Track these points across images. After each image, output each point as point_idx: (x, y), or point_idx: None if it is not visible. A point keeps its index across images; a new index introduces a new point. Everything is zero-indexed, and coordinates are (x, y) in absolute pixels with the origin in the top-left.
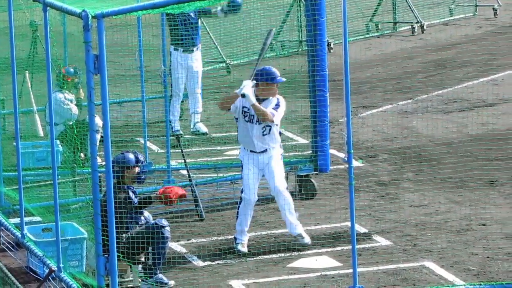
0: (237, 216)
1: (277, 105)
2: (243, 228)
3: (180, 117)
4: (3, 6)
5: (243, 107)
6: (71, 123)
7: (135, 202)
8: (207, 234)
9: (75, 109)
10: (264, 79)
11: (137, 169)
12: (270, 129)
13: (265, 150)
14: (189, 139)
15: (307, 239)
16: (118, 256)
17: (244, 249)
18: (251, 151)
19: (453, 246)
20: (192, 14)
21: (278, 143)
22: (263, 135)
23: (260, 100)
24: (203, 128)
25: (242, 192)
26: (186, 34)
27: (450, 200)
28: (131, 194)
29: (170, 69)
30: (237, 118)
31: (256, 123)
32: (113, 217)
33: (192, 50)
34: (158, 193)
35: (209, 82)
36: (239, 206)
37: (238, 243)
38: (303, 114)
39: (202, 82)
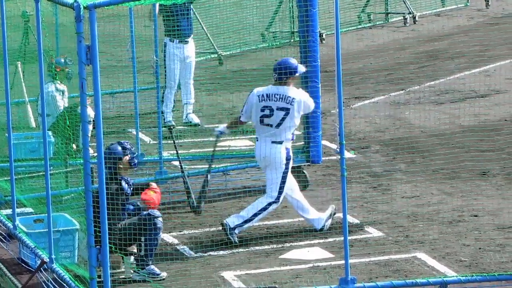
0: (255, 215)
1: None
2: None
3: (173, 108)
4: None
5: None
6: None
7: (129, 192)
8: (199, 225)
9: (61, 103)
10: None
11: (127, 157)
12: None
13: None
14: (181, 130)
15: (328, 221)
16: (110, 248)
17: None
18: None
19: (445, 237)
20: (185, 3)
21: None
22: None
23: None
24: (195, 119)
25: (278, 196)
26: (181, 24)
27: (442, 191)
28: (124, 184)
29: (164, 60)
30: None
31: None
32: (105, 209)
33: (187, 41)
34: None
35: (201, 73)
36: (264, 208)
37: (234, 234)
38: None
39: (194, 73)
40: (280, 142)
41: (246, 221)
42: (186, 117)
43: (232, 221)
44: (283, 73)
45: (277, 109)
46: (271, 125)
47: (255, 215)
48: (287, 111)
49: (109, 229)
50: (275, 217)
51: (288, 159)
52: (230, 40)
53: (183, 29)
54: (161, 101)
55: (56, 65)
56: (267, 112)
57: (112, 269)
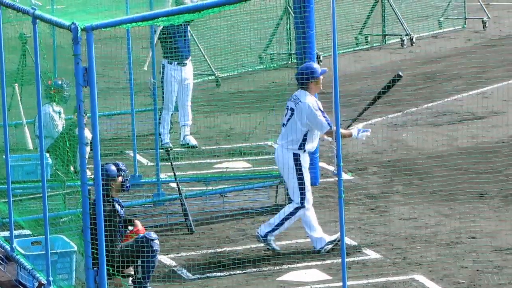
0: (285, 219)
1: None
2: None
3: (170, 130)
4: None
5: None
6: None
7: (122, 214)
8: (197, 247)
9: (59, 126)
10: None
11: (120, 179)
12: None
13: None
14: (179, 152)
15: (329, 245)
16: (108, 270)
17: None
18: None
19: (442, 259)
20: (182, 25)
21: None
22: None
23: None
24: (192, 141)
25: (302, 202)
26: (178, 46)
27: (439, 213)
28: (117, 206)
29: (162, 82)
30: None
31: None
32: (102, 231)
33: (185, 63)
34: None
35: (198, 95)
36: (292, 213)
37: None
38: None
39: (191, 95)
40: (287, 148)
41: (276, 227)
42: (184, 139)
43: (262, 230)
44: (301, 78)
45: (288, 108)
46: (283, 124)
47: (285, 219)
48: (292, 111)
49: (106, 251)
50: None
51: (298, 165)
52: (228, 62)
53: (180, 51)
54: (159, 122)
55: (53, 87)
56: (284, 111)
57: None
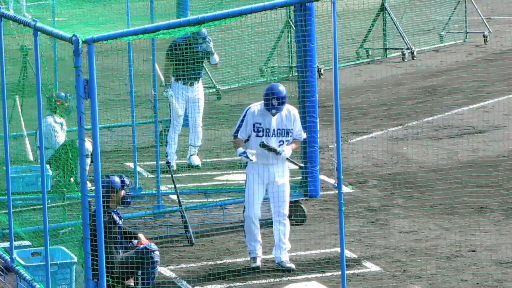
0: (245, 235)
1: (295, 119)
2: (254, 245)
3: (177, 149)
4: None
5: (255, 123)
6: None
7: (121, 225)
8: (197, 259)
9: (61, 138)
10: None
11: (123, 192)
12: (287, 143)
13: (277, 162)
14: (179, 164)
15: (292, 265)
16: (108, 281)
17: (257, 264)
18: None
19: (442, 272)
20: (200, 49)
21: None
22: (279, 146)
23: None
24: (196, 161)
25: (244, 211)
26: (190, 69)
27: (440, 227)
28: (115, 217)
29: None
30: (247, 139)
31: (272, 136)
32: (102, 242)
33: (193, 83)
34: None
35: None
36: (244, 225)
37: (251, 258)
38: None
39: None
40: None
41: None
42: (189, 158)
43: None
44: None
45: None
46: None
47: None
48: None
49: (106, 262)
50: (272, 251)
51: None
52: (229, 75)
53: (187, 72)
54: (164, 141)
55: (56, 99)
56: None
57: None
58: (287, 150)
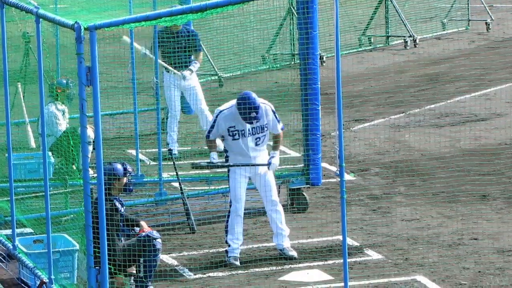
0: (227, 230)
1: (274, 114)
2: (237, 242)
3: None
4: None
5: (229, 128)
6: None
7: (123, 212)
8: (199, 246)
9: (63, 125)
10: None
11: (125, 180)
12: (264, 138)
13: (257, 154)
14: (181, 152)
15: (294, 253)
16: (109, 269)
17: (237, 262)
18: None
19: (444, 261)
20: (183, 41)
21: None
22: (257, 144)
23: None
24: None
25: (230, 204)
26: (175, 57)
27: (442, 215)
28: (117, 204)
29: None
30: (222, 138)
31: (248, 136)
32: (104, 229)
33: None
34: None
35: None
36: (228, 219)
37: (230, 256)
38: (295, 127)
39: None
40: None
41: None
42: None
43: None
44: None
45: None
46: None
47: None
48: None
49: (108, 249)
50: (272, 239)
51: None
52: (231, 62)
53: (176, 60)
54: (162, 129)
55: (57, 86)
56: None
57: None
58: (275, 160)
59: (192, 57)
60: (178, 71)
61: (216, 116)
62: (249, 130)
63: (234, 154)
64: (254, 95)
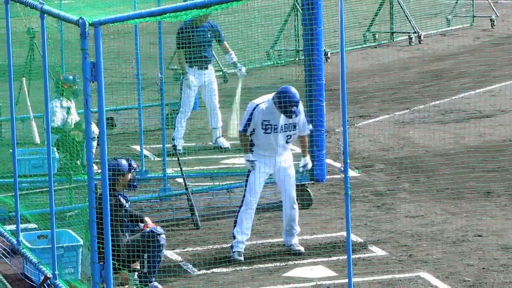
0: (236, 223)
1: (305, 113)
2: (243, 236)
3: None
4: (0, 13)
5: (263, 121)
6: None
7: (127, 207)
8: (203, 242)
9: (68, 120)
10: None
11: (129, 176)
12: (294, 136)
13: (283, 152)
14: (185, 147)
15: (301, 248)
16: (114, 264)
17: (241, 258)
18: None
19: (448, 257)
20: (208, 34)
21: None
22: (287, 142)
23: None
24: (225, 143)
25: (244, 196)
26: (202, 51)
27: (446, 211)
28: (122, 200)
29: (181, 87)
30: (252, 132)
31: (280, 132)
32: (108, 225)
33: (207, 67)
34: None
35: None
36: (239, 211)
37: (235, 251)
38: None
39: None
40: None
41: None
42: (216, 141)
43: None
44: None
45: None
46: None
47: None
48: None
49: (112, 245)
50: (278, 235)
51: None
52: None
53: (199, 55)
54: (167, 118)
55: (63, 82)
56: None
57: (121, 285)
58: (309, 161)
59: (212, 52)
60: (203, 68)
61: (253, 110)
62: (281, 126)
63: (260, 149)
64: (293, 89)
